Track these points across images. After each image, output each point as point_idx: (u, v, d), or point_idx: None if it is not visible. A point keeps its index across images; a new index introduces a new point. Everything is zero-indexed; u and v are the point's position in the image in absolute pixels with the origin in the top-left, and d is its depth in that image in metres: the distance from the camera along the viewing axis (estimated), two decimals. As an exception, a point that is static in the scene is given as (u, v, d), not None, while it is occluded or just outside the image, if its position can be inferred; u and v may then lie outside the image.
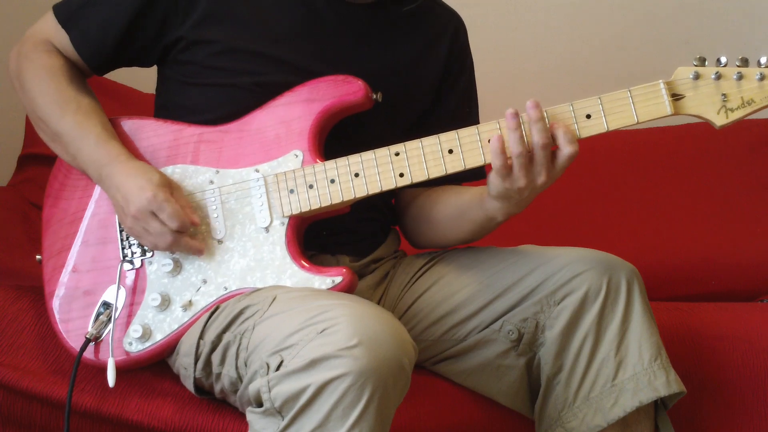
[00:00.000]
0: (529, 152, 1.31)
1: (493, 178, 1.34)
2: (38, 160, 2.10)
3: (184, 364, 1.39)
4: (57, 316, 1.46)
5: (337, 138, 1.46)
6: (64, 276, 1.47)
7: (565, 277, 1.41)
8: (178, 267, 1.43)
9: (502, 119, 1.34)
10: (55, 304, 1.47)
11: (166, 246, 1.39)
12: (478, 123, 1.38)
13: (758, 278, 2.07)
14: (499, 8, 2.55)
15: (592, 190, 2.25)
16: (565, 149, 1.31)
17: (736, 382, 1.61)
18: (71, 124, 1.45)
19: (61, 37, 1.51)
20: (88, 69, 1.54)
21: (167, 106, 1.55)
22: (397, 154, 1.39)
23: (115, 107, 1.90)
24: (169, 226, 1.37)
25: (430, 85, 1.59)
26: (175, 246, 1.39)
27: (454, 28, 1.63)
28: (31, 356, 1.48)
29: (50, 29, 1.52)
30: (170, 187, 1.41)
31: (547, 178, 1.32)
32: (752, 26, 2.51)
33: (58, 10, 1.52)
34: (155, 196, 1.36)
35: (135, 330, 1.41)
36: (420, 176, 1.38)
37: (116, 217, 1.46)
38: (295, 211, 1.41)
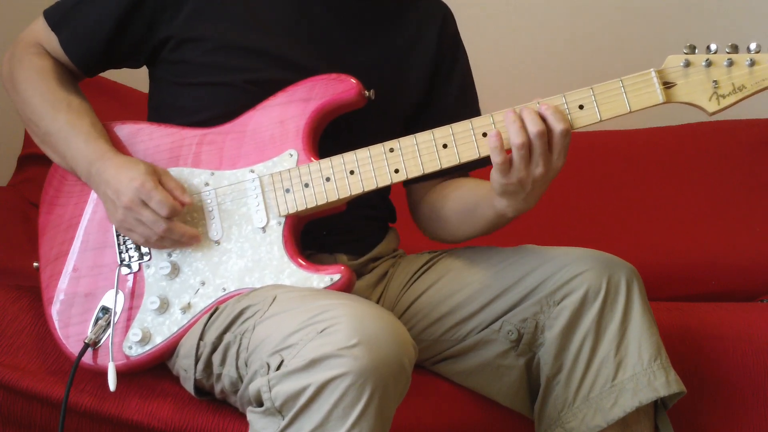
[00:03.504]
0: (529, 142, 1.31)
1: (494, 174, 1.34)
2: (38, 160, 2.09)
3: (184, 365, 1.39)
4: (56, 322, 1.46)
5: (331, 136, 1.46)
6: (62, 282, 1.47)
7: (564, 277, 1.41)
8: (175, 270, 1.42)
9: (495, 113, 1.35)
10: (54, 310, 1.46)
11: (160, 233, 1.38)
12: (480, 114, 1.38)
13: (758, 278, 2.07)
14: (497, 7, 2.55)
15: (592, 190, 2.25)
16: (557, 127, 1.30)
17: (736, 382, 1.61)
18: (62, 123, 1.45)
19: (51, 40, 1.51)
20: (78, 71, 1.54)
21: (160, 108, 1.55)
22: (391, 150, 1.39)
23: (115, 107, 1.90)
24: (159, 213, 1.37)
25: (421, 76, 1.58)
26: (169, 233, 1.38)
27: (442, 16, 1.62)
28: (31, 356, 1.48)
29: (41, 32, 1.52)
30: (158, 174, 1.41)
31: (545, 168, 1.31)
32: (750, 24, 2.51)
33: (48, 14, 1.52)
34: (143, 184, 1.36)
35: (134, 334, 1.41)
36: (415, 171, 1.38)
37: None
38: (292, 211, 1.41)
